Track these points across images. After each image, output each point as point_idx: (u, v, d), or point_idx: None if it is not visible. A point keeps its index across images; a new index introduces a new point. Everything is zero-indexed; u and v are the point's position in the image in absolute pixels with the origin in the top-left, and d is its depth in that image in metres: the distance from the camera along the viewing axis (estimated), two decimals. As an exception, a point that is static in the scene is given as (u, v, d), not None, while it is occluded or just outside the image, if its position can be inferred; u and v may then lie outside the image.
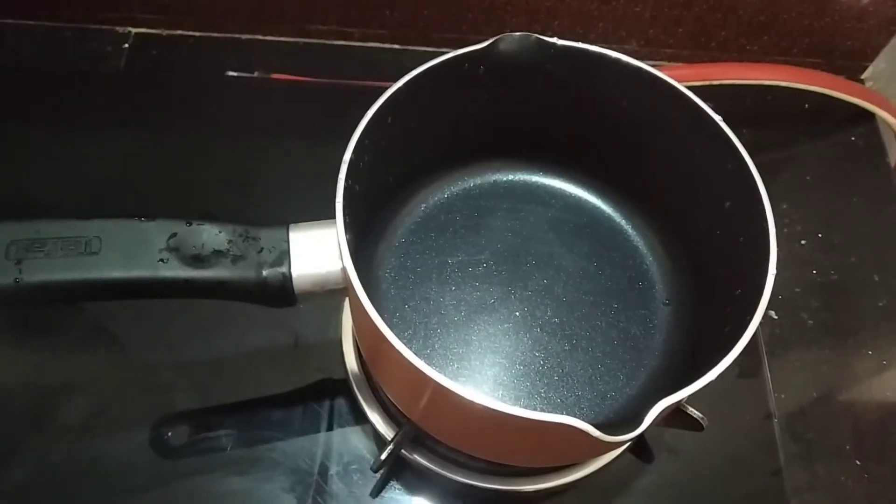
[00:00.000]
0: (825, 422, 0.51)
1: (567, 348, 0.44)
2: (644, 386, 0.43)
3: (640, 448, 0.47)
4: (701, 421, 0.41)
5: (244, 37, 0.65)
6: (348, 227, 0.36)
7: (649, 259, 0.47)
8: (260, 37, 0.65)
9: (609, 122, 0.45)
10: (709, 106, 0.39)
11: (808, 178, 0.61)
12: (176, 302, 0.37)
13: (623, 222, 0.49)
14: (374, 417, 0.46)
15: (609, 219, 0.49)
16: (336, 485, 0.45)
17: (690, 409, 0.41)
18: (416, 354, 0.36)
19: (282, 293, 0.36)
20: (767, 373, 0.51)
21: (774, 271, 0.35)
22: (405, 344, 0.32)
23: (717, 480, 0.49)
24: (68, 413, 0.48)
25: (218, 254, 0.36)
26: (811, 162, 0.62)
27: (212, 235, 0.36)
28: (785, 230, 0.58)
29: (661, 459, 0.47)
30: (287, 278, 0.36)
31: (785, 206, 0.59)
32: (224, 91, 0.61)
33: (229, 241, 0.36)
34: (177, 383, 0.49)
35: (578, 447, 0.37)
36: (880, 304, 0.55)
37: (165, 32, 0.65)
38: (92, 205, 0.54)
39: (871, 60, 0.65)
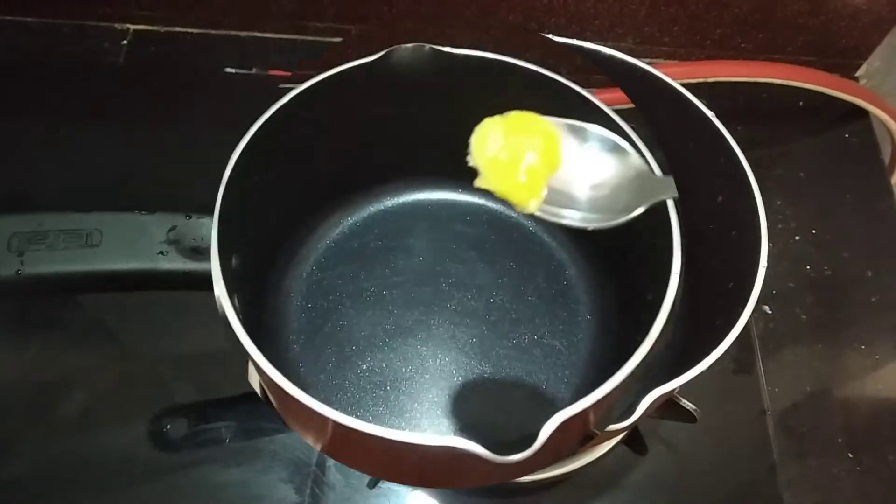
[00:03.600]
0: (818, 416, 0.51)
1: (489, 370, 0.43)
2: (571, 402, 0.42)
3: (634, 440, 0.48)
4: (694, 412, 0.41)
5: (242, 34, 0.65)
6: (234, 251, 0.35)
7: (572, 273, 0.47)
8: (258, 34, 0.66)
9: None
10: (703, 102, 0.40)
11: (801, 174, 0.61)
12: (174, 295, 0.37)
13: (545, 236, 0.48)
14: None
15: (531, 234, 0.48)
16: (334, 476, 0.46)
17: (684, 400, 0.42)
18: (327, 383, 0.37)
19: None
20: (761, 368, 0.52)
21: (766, 264, 0.35)
22: (311, 375, 0.32)
23: (710, 473, 0.49)
24: (67, 406, 0.48)
25: (217, 246, 0.36)
26: (805, 158, 0.62)
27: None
28: (779, 226, 0.58)
29: (656, 452, 0.48)
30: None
31: (779, 203, 0.59)
32: (222, 87, 0.62)
33: (228, 235, 0.36)
34: (175, 376, 0.49)
35: (479, 470, 0.34)
36: (873, 299, 0.56)
37: (163, 29, 0.65)
38: (92, 199, 0.54)
39: (866, 58, 0.66)
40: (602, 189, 0.32)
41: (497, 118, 0.31)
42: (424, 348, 0.44)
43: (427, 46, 0.39)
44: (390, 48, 0.39)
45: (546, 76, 0.40)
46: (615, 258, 0.44)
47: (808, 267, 0.57)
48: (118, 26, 0.65)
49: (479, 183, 0.30)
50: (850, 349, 0.54)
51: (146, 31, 0.65)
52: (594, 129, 0.32)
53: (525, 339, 0.44)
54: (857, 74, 0.67)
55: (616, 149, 0.32)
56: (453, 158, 0.46)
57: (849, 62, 0.66)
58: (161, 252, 0.35)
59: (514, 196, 0.30)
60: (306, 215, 0.47)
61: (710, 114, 0.39)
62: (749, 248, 0.36)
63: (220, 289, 0.32)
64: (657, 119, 0.42)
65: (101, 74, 0.63)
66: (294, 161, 0.41)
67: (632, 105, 0.57)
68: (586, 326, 0.45)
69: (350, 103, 0.41)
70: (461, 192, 0.49)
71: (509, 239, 0.48)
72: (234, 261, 0.35)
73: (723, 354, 0.32)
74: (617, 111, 0.39)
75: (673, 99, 0.40)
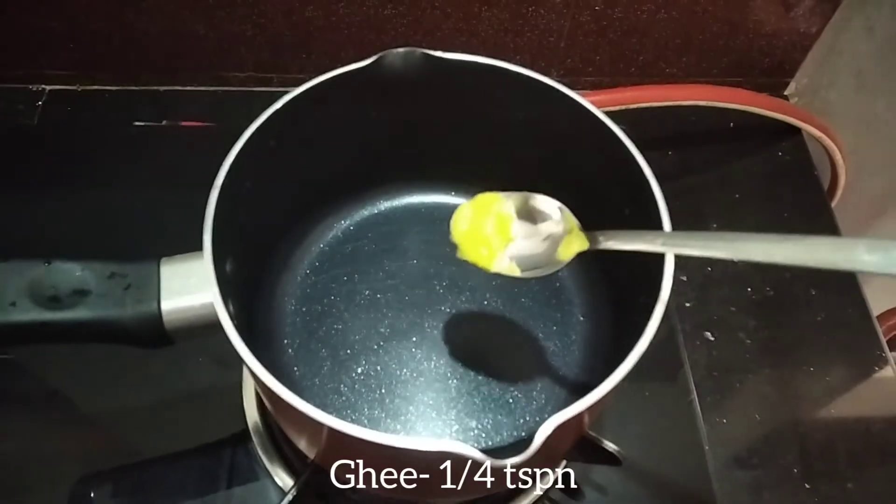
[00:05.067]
0: (770, 445, 0.48)
1: (483, 373, 0.42)
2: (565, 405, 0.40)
3: (567, 485, 0.44)
4: (618, 455, 0.38)
5: (161, 88, 0.64)
6: (228, 256, 0.34)
7: (565, 274, 0.46)
8: (178, 87, 0.64)
9: (519, 140, 0.44)
10: (630, 129, 0.38)
11: (737, 195, 0.59)
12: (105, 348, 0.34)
13: None
14: (275, 471, 0.42)
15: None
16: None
17: (606, 442, 0.38)
18: (322, 387, 0.36)
19: (152, 332, 0.34)
20: (696, 401, 0.49)
21: (672, 274, 0.33)
22: (306, 379, 0.33)
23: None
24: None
25: (79, 293, 0.33)
26: (739, 180, 0.61)
27: (72, 275, 0.33)
28: (717, 249, 0.56)
29: (590, 498, 0.44)
30: (156, 316, 0.33)
31: (715, 226, 0.57)
32: (129, 141, 0.60)
33: (93, 280, 0.34)
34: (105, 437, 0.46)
35: (472, 476, 0.34)
36: (819, 318, 0.53)
37: (80, 88, 0.64)
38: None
39: (792, 76, 0.65)
40: (542, 246, 0.37)
41: (468, 203, 0.37)
42: (419, 351, 0.43)
43: (418, 51, 0.39)
44: (382, 53, 0.39)
45: (536, 80, 0.40)
46: (607, 260, 0.43)
47: (749, 289, 0.54)
48: (33, 87, 0.64)
49: (459, 254, 0.36)
50: (800, 372, 0.51)
51: (62, 90, 0.64)
52: (537, 196, 0.37)
53: (519, 340, 0.44)
54: (786, 92, 0.66)
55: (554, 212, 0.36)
56: (445, 161, 0.47)
57: (777, 81, 0.65)
58: (12, 302, 0.32)
59: (480, 263, 0.36)
60: (299, 219, 0.47)
61: (613, 126, 0.38)
62: (657, 261, 0.34)
63: (214, 294, 0.31)
64: (567, 136, 0.41)
65: (13, 136, 0.61)
66: (287, 165, 0.40)
67: (620, 107, 0.56)
68: (580, 328, 0.44)
69: (342, 107, 0.41)
70: (454, 195, 0.49)
71: None
72: (228, 266, 0.34)
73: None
74: (606, 113, 0.39)
75: (577, 114, 0.39)
